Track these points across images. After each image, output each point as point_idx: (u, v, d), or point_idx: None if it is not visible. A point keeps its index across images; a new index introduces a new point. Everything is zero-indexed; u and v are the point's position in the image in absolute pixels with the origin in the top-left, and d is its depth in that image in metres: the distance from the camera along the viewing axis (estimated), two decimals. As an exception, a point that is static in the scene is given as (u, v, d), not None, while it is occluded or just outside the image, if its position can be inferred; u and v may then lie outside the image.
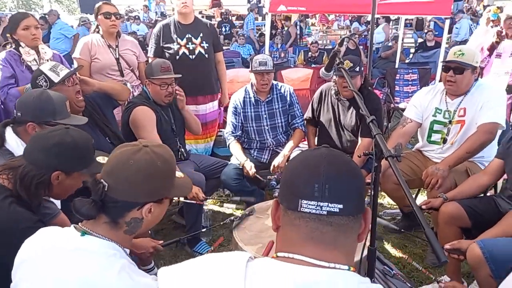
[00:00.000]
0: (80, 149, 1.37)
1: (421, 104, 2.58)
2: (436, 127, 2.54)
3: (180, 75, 2.58)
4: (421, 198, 3.13)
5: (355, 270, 0.76)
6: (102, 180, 1.03)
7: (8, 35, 2.69)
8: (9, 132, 1.71)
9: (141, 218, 1.06)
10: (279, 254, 0.77)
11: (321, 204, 0.74)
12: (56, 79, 2.03)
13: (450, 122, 2.47)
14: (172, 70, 2.54)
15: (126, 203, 1.03)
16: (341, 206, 0.74)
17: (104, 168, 1.05)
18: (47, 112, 1.72)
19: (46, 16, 7.90)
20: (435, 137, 2.56)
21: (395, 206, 3.04)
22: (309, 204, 0.74)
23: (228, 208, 3.19)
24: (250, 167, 2.67)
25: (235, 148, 2.84)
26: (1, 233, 1.22)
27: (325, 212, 0.74)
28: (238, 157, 2.78)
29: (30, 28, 2.56)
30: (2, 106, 2.57)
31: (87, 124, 1.97)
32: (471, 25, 9.77)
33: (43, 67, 2.10)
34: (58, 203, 1.65)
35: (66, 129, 1.39)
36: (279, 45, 8.49)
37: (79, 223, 1.06)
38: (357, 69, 2.66)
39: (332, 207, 0.74)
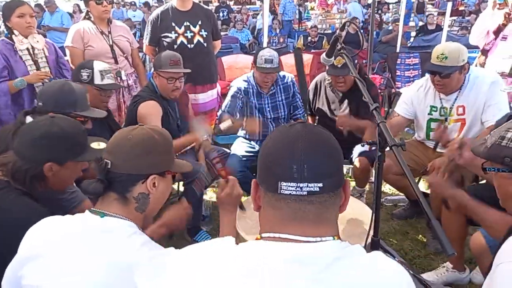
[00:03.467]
0: (69, 137, 1.33)
1: (413, 101, 2.51)
2: (433, 125, 2.48)
3: (189, 70, 2.50)
4: (422, 185, 3.11)
5: (339, 237, 0.77)
6: (104, 159, 1.07)
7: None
8: (29, 121, 1.69)
9: (147, 193, 1.09)
10: (264, 235, 0.77)
11: (301, 185, 0.73)
12: (97, 82, 2.10)
13: (446, 119, 2.41)
14: (181, 64, 2.46)
15: (129, 176, 1.07)
16: (320, 184, 0.73)
17: (106, 148, 1.10)
18: (68, 103, 1.73)
19: (42, 4, 7.72)
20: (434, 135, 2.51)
21: (397, 193, 3.02)
22: (289, 186, 0.73)
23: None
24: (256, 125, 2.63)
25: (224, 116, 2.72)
26: (16, 227, 1.15)
27: (305, 193, 0.73)
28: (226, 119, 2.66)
29: (25, 16, 2.49)
30: None
31: (98, 124, 1.97)
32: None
33: (97, 64, 2.13)
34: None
35: (52, 118, 1.35)
36: (278, 30, 8.37)
37: (92, 208, 1.08)
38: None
39: (312, 186, 0.73)
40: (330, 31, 9.52)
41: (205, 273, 0.73)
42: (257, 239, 0.78)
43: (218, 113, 2.89)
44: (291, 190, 0.73)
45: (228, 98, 2.85)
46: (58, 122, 1.33)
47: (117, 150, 1.08)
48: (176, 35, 2.93)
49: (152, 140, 1.10)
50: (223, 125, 2.53)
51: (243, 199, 2.63)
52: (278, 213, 0.76)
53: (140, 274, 0.82)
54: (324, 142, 0.78)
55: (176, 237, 2.65)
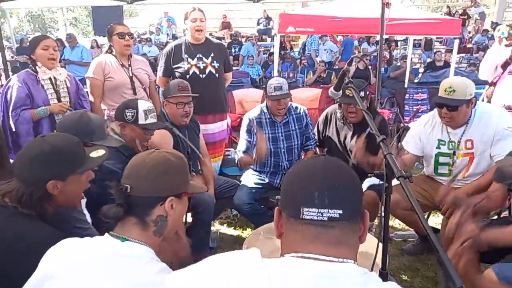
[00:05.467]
0: (63, 152, 1.33)
1: (420, 137, 2.51)
2: (442, 159, 2.47)
3: (197, 94, 2.58)
4: (432, 220, 3.07)
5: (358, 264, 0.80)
6: (123, 184, 1.10)
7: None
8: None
9: (165, 215, 1.11)
10: (286, 255, 0.80)
11: (322, 210, 0.77)
12: (141, 121, 2.13)
13: (454, 153, 2.40)
14: (189, 90, 2.55)
15: (148, 199, 1.09)
16: (340, 211, 0.78)
17: (124, 174, 1.12)
18: (85, 133, 1.78)
19: (63, 39, 8.09)
20: (442, 169, 2.50)
21: (406, 228, 2.97)
22: (310, 212, 0.78)
23: (236, 229, 3.16)
24: (264, 145, 2.66)
25: (244, 157, 2.82)
26: (30, 251, 1.17)
27: (326, 218, 0.77)
28: (249, 160, 2.78)
29: (49, 48, 2.65)
30: (14, 129, 2.60)
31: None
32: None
33: (141, 104, 2.17)
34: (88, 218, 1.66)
35: (42, 137, 1.36)
36: (281, 67, 8.50)
37: (111, 231, 1.09)
38: (361, 94, 2.60)
39: (332, 213, 0.77)
40: (338, 67, 9.71)
41: (229, 283, 0.75)
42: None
43: (237, 155, 2.92)
44: (312, 215, 0.78)
45: (242, 135, 2.88)
46: (49, 140, 1.34)
47: (136, 174, 1.10)
48: (189, 65, 3.04)
49: (169, 162, 1.13)
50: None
51: (250, 230, 2.62)
52: (300, 236, 0.79)
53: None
54: (345, 173, 0.83)
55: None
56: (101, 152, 1.47)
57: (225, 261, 0.81)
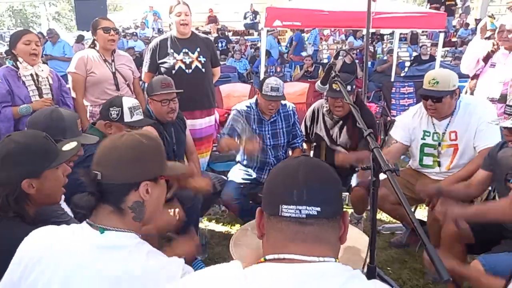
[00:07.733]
0: (31, 149, 1.28)
1: (409, 127, 2.54)
2: (427, 150, 2.50)
3: (181, 90, 2.54)
4: (419, 213, 3.10)
5: (340, 262, 0.81)
6: (93, 171, 1.03)
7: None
8: None
9: (142, 201, 1.06)
10: (268, 257, 0.80)
11: (300, 207, 0.78)
12: (127, 119, 2.06)
13: (439, 144, 2.44)
14: (173, 85, 2.50)
15: (121, 186, 1.03)
16: (318, 209, 0.78)
17: (94, 160, 1.06)
18: (57, 131, 1.71)
19: (44, 33, 7.87)
20: (427, 160, 2.52)
21: (394, 221, 2.99)
22: (289, 209, 0.79)
23: (225, 225, 3.14)
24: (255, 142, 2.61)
25: (227, 138, 2.74)
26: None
27: (304, 215, 0.78)
28: (232, 142, 2.71)
29: (31, 43, 2.56)
30: None
31: None
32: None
33: (126, 101, 2.09)
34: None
35: (8, 136, 1.30)
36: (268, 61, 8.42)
37: (88, 220, 1.04)
38: (348, 88, 2.59)
39: (310, 210, 0.78)
40: (326, 61, 9.75)
41: None
42: (260, 261, 0.80)
43: (219, 137, 2.89)
44: (291, 213, 0.79)
45: (228, 121, 2.85)
46: (15, 138, 1.29)
47: (106, 160, 1.04)
48: (174, 60, 2.98)
49: (141, 146, 1.06)
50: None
51: (238, 226, 2.61)
52: (280, 234, 0.80)
53: None
54: (324, 171, 0.85)
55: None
56: (73, 144, 1.42)
57: (205, 276, 0.80)
